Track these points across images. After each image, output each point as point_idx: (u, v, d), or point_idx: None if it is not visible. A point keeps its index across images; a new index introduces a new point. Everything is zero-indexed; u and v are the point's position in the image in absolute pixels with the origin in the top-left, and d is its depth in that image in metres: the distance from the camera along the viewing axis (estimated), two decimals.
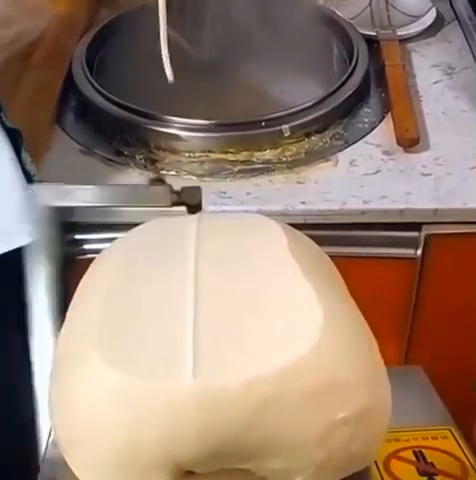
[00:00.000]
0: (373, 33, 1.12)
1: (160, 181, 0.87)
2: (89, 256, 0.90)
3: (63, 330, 0.52)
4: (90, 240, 0.90)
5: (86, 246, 0.90)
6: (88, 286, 0.55)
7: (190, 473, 0.46)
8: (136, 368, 0.45)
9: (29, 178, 0.79)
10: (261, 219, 0.58)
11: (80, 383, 0.46)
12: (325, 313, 0.47)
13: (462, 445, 0.53)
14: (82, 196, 0.80)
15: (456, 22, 1.19)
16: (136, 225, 0.87)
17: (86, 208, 0.86)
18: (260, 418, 0.43)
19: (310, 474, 0.46)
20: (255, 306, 0.48)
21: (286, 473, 0.46)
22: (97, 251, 0.88)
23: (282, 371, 0.44)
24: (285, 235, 0.55)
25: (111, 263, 0.56)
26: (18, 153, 0.77)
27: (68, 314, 0.53)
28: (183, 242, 0.55)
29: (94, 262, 0.59)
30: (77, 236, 0.90)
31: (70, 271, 0.88)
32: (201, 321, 0.47)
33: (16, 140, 0.78)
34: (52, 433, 0.53)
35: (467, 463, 0.52)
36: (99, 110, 0.98)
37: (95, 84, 1.01)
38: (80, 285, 0.56)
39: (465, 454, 0.53)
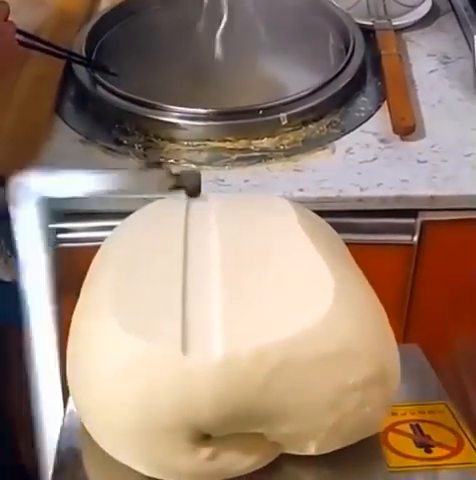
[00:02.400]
0: (369, 23, 1.13)
1: (158, 165, 0.87)
2: (79, 244, 0.91)
3: (78, 305, 0.54)
4: (79, 229, 0.91)
5: (77, 235, 0.91)
6: (101, 264, 0.56)
7: (207, 436, 0.47)
8: (152, 336, 0.46)
9: None
10: (272, 197, 0.60)
11: (98, 351, 0.48)
12: (336, 284, 0.48)
13: (457, 418, 0.55)
14: (79, 184, 0.81)
15: (452, 12, 1.20)
16: (125, 213, 0.88)
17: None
18: (272, 384, 0.45)
19: (321, 439, 0.48)
20: (268, 277, 0.50)
21: (298, 437, 0.48)
22: (87, 240, 0.90)
23: (294, 338, 0.45)
24: (295, 211, 0.57)
25: (123, 240, 0.57)
26: None
27: (83, 290, 0.55)
28: (198, 219, 0.56)
29: (105, 242, 0.60)
30: (66, 225, 0.91)
31: (61, 259, 0.90)
32: (215, 291, 0.49)
33: None
34: (69, 402, 0.54)
35: (462, 435, 0.54)
36: (98, 100, 0.99)
37: (94, 74, 1.01)
38: (92, 265, 0.57)
39: (460, 427, 0.54)
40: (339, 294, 0.48)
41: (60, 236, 0.91)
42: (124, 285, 0.51)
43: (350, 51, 1.05)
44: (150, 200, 0.82)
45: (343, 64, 1.02)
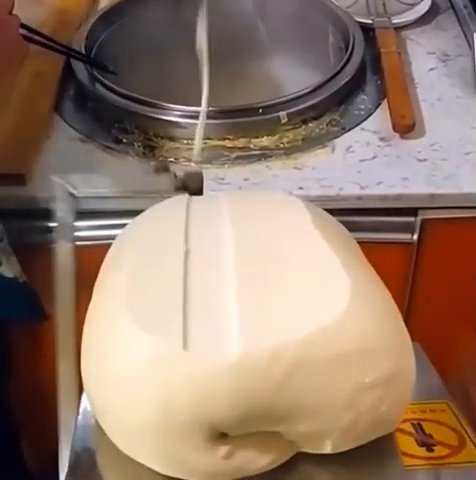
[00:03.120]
0: (369, 21, 1.13)
1: (164, 168, 0.87)
2: (96, 242, 0.91)
3: (92, 304, 0.54)
4: (77, 227, 0.91)
5: (86, 233, 0.91)
6: (113, 262, 0.57)
7: (223, 435, 0.48)
8: (169, 336, 0.47)
9: None
10: (284, 196, 0.60)
11: (115, 350, 0.48)
12: (352, 282, 0.49)
13: (459, 417, 0.55)
14: (88, 185, 0.82)
15: (451, 10, 1.20)
16: (133, 212, 0.88)
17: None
18: (289, 382, 0.46)
19: (337, 437, 0.48)
20: (283, 276, 0.50)
21: (314, 436, 0.48)
22: (96, 238, 0.90)
23: (310, 337, 0.46)
24: (308, 210, 0.57)
25: (135, 238, 0.57)
26: None
27: (96, 289, 0.55)
28: (210, 218, 0.57)
29: (116, 240, 0.60)
30: (86, 223, 0.91)
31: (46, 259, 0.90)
32: (230, 290, 0.49)
33: None
34: (82, 401, 0.54)
35: (464, 434, 0.54)
36: (98, 98, 0.99)
37: (93, 72, 1.01)
38: (104, 263, 0.57)
39: (462, 425, 0.54)
40: (355, 292, 0.48)
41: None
42: (138, 284, 0.51)
43: (350, 49, 1.05)
44: (158, 199, 0.83)
45: (343, 62, 1.02)
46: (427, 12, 1.17)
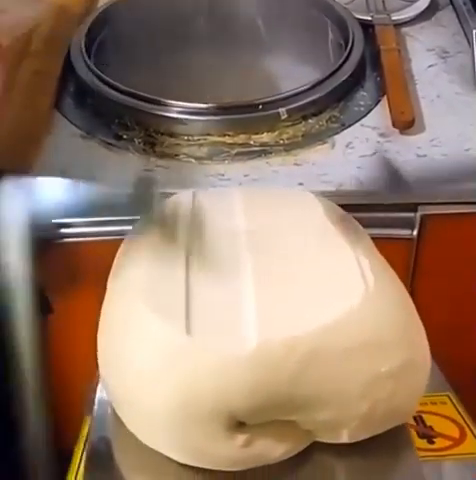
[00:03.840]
0: (368, 18, 1.13)
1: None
2: (97, 238, 0.91)
3: (109, 294, 0.54)
4: (73, 224, 0.91)
5: (73, 229, 0.92)
6: (129, 255, 0.57)
7: (241, 424, 0.48)
8: (189, 326, 0.47)
9: None
10: (297, 190, 0.61)
11: (134, 341, 0.49)
12: (368, 275, 0.50)
13: (460, 409, 0.55)
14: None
15: (450, 6, 1.20)
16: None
17: None
18: (306, 371, 0.46)
19: (354, 427, 0.49)
20: (298, 268, 0.51)
21: (331, 425, 0.49)
22: (104, 233, 0.90)
23: (327, 327, 0.47)
24: (321, 204, 0.57)
25: (150, 231, 0.57)
26: None
27: (112, 280, 0.55)
28: (224, 212, 0.58)
29: (130, 233, 0.60)
30: (65, 220, 0.91)
31: (52, 254, 0.90)
32: (250, 282, 0.50)
33: None
34: (98, 391, 0.55)
35: (465, 426, 0.54)
36: (98, 95, 0.99)
37: (94, 69, 1.01)
38: (119, 255, 0.58)
39: (463, 417, 0.55)
40: (371, 284, 0.49)
41: (64, 231, 0.91)
42: (156, 274, 0.52)
43: (349, 46, 1.05)
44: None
45: (342, 59, 1.02)
46: (426, 9, 1.17)
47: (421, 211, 0.90)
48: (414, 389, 0.50)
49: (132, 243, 0.59)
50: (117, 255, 0.59)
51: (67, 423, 0.87)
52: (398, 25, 1.15)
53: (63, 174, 0.89)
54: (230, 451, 0.48)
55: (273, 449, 0.49)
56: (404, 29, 1.15)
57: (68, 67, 1.04)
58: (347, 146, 0.94)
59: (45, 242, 0.84)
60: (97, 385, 0.63)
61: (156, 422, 0.48)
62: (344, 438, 0.49)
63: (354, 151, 0.93)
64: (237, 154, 0.93)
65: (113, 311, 0.53)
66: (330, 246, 0.53)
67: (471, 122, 0.97)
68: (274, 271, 0.51)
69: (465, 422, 0.54)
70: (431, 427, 0.54)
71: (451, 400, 0.56)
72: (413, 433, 0.52)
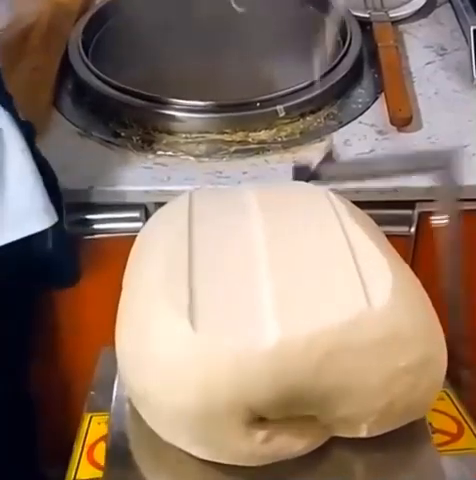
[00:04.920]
0: (366, 15, 1.14)
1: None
2: (96, 236, 0.91)
3: (128, 291, 0.54)
4: (96, 220, 0.92)
5: (94, 226, 0.93)
6: (148, 247, 0.57)
7: (262, 420, 0.49)
8: (209, 322, 0.48)
9: (45, 166, 0.81)
10: (311, 187, 0.61)
11: (154, 338, 0.49)
12: (389, 271, 0.51)
13: (457, 405, 0.56)
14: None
15: (448, 4, 1.20)
16: (136, 205, 0.89)
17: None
18: (326, 366, 0.47)
19: (373, 421, 0.49)
20: (317, 264, 0.51)
21: (351, 420, 0.50)
22: (102, 231, 0.91)
23: (347, 323, 0.47)
24: (337, 200, 0.58)
25: (169, 224, 0.58)
26: (31, 144, 0.79)
27: (128, 277, 0.55)
28: (239, 208, 0.58)
29: (145, 228, 0.61)
30: (85, 216, 0.92)
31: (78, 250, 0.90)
32: (270, 277, 0.50)
33: (28, 132, 0.79)
34: (115, 388, 0.55)
35: (462, 422, 0.54)
36: (96, 92, 0.99)
37: (91, 66, 1.01)
38: (137, 246, 0.58)
39: (460, 413, 0.55)
40: (391, 280, 0.49)
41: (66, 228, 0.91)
42: (174, 271, 0.52)
43: (347, 43, 1.05)
44: (155, 193, 0.84)
45: (340, 56, 1.03)
46: (424, 6, 1.17)
47: (419, 208, 0.90)
48: (432, 384, 0.50)
49: (147, 238, 0.59)
50: (132, 250, 0.59)
51: (67, 420, 0.88)
52: (396, 22, 1.15)
53: (61, 171, 0.89)
54: (250, 447, 0.49)
55: (292, 444, 0.50)
56: (402, 26, 1.15)
57: (66, 64, 1.05)
58: (345, 143, 0.94)
59: None
60: (96, 382, 0.64)
61: (177, 418, 0.49)
62: (363, 433, 0.50)
63: (352, 148, 0.94)
64: (235, 152, 0.93)
65: (132, 308, 0.53)
66: (348, 241, 0.53)
67: (469, 119, 0.97)
68: (291, 267, 0.51)
69: (463, 418, 0.55)
70: (429, 423, 0.54)
71: (449, 396, 0.56)
72: None
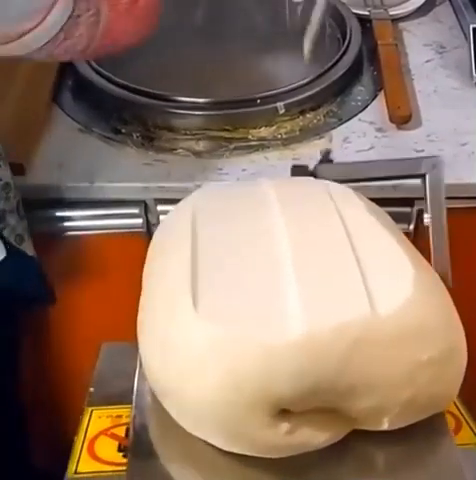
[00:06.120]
0: (366, 12, 1.14)
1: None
2: (96, 232, 0.92)
3: (148, 288, 0.55)
4: (96, 216, 0.92)
5: (94, 222, 0.93)
6: (168, 243, 0.58)
7: (285, 412, 0.49)
8: (235, 315, 0.48)
9: None
10: (328, 182, 0.62)
11: (179, 331, 0.50)
12: (412, 265, 0.51)
13: (455, 401, 0.56)
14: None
15: (447, 2, 1.20)
16: (136, 202, 0.89)
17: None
18: (351, 358, 0.47)
19: (395, 413, 0.50)
20: (339, 256, 0.51)
21: (374, 412, 0.50)
22: (102, 227, 0.91)
23: (373, 316, 0.48)
24: (356, 195, 0.58)
25: (187, 221, 0.58)
26: None
27: (148, 274, 0.56)
28: (258, 204, 0.59)
29: (162, 225, 0.61)
30: (63, 213, 0.92)
31: (57, 247, 0.90)
32: (294, 271, 0.51)
33: None
34: (136, 381, 0.55)
35: (460, 416, 0.55)
36: (96, 88, 0.99)
37: (92, 63, 1.01)
38: (156, 242, 0.58)
39: (458, 408, 0.55)
40: (414, 274, 0.50)
41: (66, 224, 0.92)
42: (196, 268, 0.52)
43: (347, 41, 1.05)
44: (155, 189, 0.84)
45: (340, 54, 1.03)
46: (424, 4, 1.18)
47: (418, 206, 0.91)
48: (453, 376, 0.51)
49: (167, 234, 0.59)
50: (151, 245, 0.60)
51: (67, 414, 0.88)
52: (395, 20, 1.15)
53: (61, 167, 0.90)
54: (274, 438, 0.49)
55: (315, 437, 0.50)
56: (401, 24, 1.16)
57: (66, 61, 1.04)
58: (344, 141, 0.95)
59: (36, 235, 0.85)
60: (96, 377, 0.64)
61: (201, 410, 0.49)
62: (384, 425, 0.50)
63: (351, 146, 0.94)
64: (235, 148, 0.93)
65: (155, 304, 0.53)
66: (371, 237, 0.54)
67: (468, 117, 0.98)
68: (315, 260, 0.52)
69: (460, 413, 0.55)
70: None
71: None
72: None
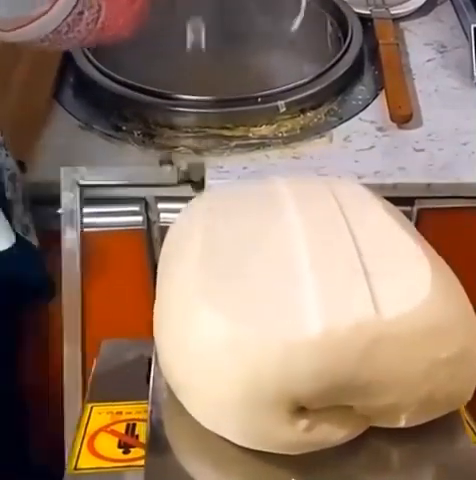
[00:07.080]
0: (367, 12, 1.14)
1: (168, 160, 0.88)
2: (96, 229, 0.92)
3: (164, 286, 0.55)
4: (97, 214, 0.92)
5: (95, 220, 0.92)
6: (182, 240, 0.58)
7: (303, 409, 0.49)
8: (254, 311, 0.48)
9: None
10: (343, 179, 0.62)
11: (197, 329, 0.49)
12: (431, 265, 0.51)
13: None
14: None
15: (449, 1, 1.20)
16: (137, 199, 0.89)
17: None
18: (370, 358, 0.47)
19: (412, 411, 0.50)
20: (355, 254, 0.51)
21: (391, 410, 0.50)
22: (103, 224, 0.91)
23: (392, 314, 0.47)
24: (370, 192, 0.58)
25: (202, 219, 0.58)
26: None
27: (163, 272, 0.56)
28: (271, 201, 0.58)
29: (175, 225, 0.61)
30: (85, 210, 0.91)
31: (57, 244, 0.90)
32: (311, 268, 0.51)
33: None
34: (152, 377, 0.55)
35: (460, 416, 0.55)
36: (97, 86, 0.99)
37: (93, 60, 1.01)
38: (170, 241, 0.58)
39: (458, 409, 0.55)
40: (432, 273, 0.50)
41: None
42: (215, 265, 0.52)
43: (348, 39, 1.05)
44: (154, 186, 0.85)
45: (341, 52, 1.03)
46: (425, 3, 1.18)
47: (418, 205, 0.91)
48: (470, 375, 0.51)
49: (182, 231, 0.59)
50: (165, 243, 0.60)
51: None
52: (397, 19, 1.15)
53: (62, 164, 0.90)
54: (292, 435, 0.49)
55: (332, 434, 0.50)
56: (403, 23, 1.16)
57: (67, 57, 1.05)
58: (345, 139, 0.95)
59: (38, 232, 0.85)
60: (96, 373, 0.64)
61: (221, 406, 0.49)
62: (401, 423, 0.50)
63: (352, 145, 0.94)
64: (236, 147, 0.94)
65: (171, 301, 0.53)
66: (388, 235, 0.54)
67: (468, 116, 0.98)
68: (332, 257, 0.52)
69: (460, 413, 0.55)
70: None
71: None
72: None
